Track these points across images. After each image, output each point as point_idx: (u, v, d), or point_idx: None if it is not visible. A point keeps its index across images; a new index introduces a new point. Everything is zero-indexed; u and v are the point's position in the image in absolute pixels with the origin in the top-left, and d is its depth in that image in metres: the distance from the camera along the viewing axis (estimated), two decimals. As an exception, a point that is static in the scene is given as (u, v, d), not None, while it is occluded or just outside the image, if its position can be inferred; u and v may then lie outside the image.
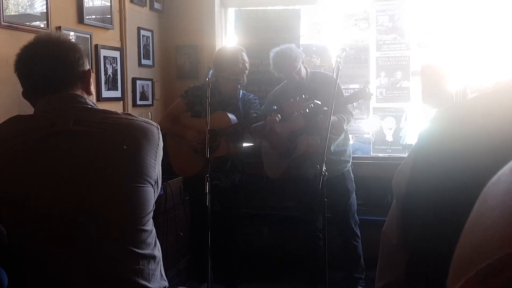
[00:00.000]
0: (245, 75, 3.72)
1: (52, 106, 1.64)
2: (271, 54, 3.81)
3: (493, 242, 0.45)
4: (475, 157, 0.90)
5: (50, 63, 1.65)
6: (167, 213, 3.89)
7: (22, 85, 1.69)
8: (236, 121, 3.60)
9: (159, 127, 1.74)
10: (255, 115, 3.68)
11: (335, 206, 3.75)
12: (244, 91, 4.04)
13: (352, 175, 3.82)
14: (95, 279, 1.55)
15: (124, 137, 1.62)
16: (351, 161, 3.83)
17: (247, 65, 3.80)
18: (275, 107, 3.54)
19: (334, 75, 3.20)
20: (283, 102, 3.65)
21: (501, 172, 0.53)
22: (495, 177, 0.54)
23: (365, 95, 3.47)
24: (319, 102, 3.53)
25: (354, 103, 3.77)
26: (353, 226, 3.78)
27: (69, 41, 1.74)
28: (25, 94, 1.69)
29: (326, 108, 3.33)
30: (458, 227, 0.87)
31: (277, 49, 3.84)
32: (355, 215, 3.81)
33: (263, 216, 4.57)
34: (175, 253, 4.01)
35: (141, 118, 1.72)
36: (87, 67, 1.73)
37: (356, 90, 3.52)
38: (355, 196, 3.82)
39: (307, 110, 3.44)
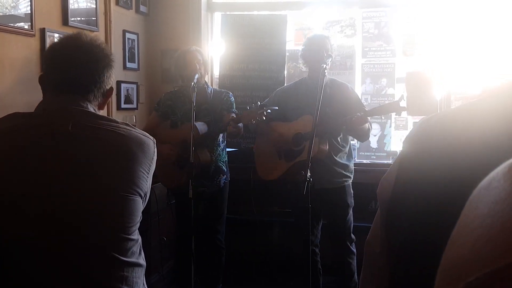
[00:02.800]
0: (196, 76, 3.51)
1: (54, 105, 1.63)
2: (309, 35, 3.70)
3: (483, 254, 0.44)
4: (460, 166, 0.90)
5: (89, 67, 1.65)
6: (151, 218, 3.86)
7: (46, 71, 1.69)
8: (203, 130, 3.54)
9: (155, 141, 1.75)
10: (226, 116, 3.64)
11: (332, 220, 3.67)
12: (217, 89, 4.01)
13: (352, 191, 3.69)
14: (79, 284, 1.54)
15: (120, 146, 1.62)
16: (352, 177, 3.69)
17: (198, 64, 3.66)
18: (234, 116, 3.49)
19: (319, 81, 3.20)
20: (291, 102, 3.62)
21: (493, 175, 0.51)
22: (486, 181, 0.52)
23: (397, 109, 3.29)
24: (276, 108, 3.51)
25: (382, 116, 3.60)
26: (349, 243, 3.66)
27: (110, 55, 1.73)
28: (44, 81, 1.68)
29: (359, 114, 3.29)
30: (443, 235, 0.86)
31: (317, 33, 3.77)
32: (351, 232, 3.68)
33: (252, 222, 4.55)
34: (159, 258, 3.98)
35: (139, 130, 1.72)
36: (110, 85, 1.73)
37: (387, 102, 3.37)
38: (352, 212, 3.69)
39: (264, 118, 3.39)
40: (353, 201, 3.70)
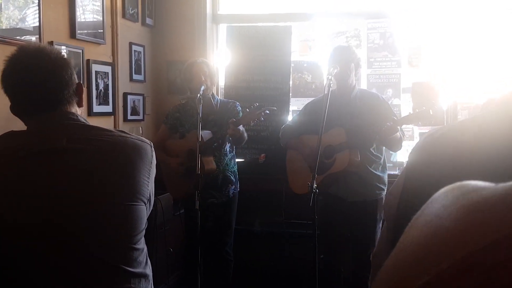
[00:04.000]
0: (202, 88, 3.49)
1: (44, 124, 1.61)
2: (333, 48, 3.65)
3: (412, 267, 0.46)
4: (466, 179, 0.90)
5: (44, 82, 1.59)
6: (157, 229, 3.86)
7: (11, 101, 1.62)
8: (208, 137, 3.54)
9: (152, 144, 1.72)
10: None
11: (357, 233, 3.57)
12: (223, 99, 4.01)
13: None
14: None
15: (118, 155, 1.61)
16: (385, 189, 3.57)
17: (203, 76, 3.66)
18: (234, 120, 3.47)
19: (325, 92, 3.20)
20: (321, 114, 3.54)
21: (438, 192, 0.55)
22: (434, 196, 0.55)
23: (427, 117, 3.18)
24: (274, 108, 3.49)
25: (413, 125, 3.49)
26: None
27: (61, 56, 1.67)
28: (15, 110, 1.63)
29: (389, 123, 3.21)
30: None
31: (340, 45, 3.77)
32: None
33: (261, 233, 4.53)
34: (165, 269, 3.98)
35: (135, 135, 1.70)
36: (77, 80, 1.69)
37: (418, 111, 3.28)
38: (381, 225, 3.52)
39: (262, 118, 3.40)
40: (382, 215, 3.55)
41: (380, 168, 3.58)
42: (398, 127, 3.31)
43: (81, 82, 1.73)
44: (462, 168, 0.91)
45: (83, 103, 1.74)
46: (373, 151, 3.52)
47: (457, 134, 1.00)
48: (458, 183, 0.54)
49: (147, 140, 1.72)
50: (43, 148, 1.56)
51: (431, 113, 3.16)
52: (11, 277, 1.52)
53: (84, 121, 1.66)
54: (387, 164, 3.86)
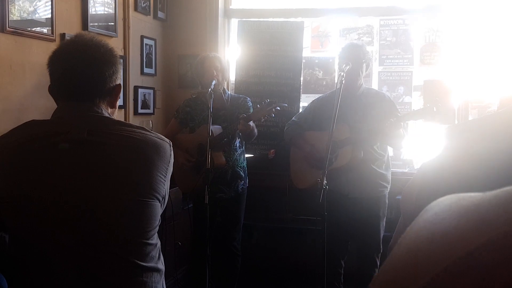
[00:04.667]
0: (213, 82, 3.50)
1: (69, 113, 1.62)
2: (343, 45, 3.68)
3: (408, 273, 0.46)
4: (484, 176, 0.90)
5: (84, 72, 1.62)
6: (166, 223, 3.87)
7: (51, 82, 1.67)
8: (218, 132, 3.54)
9: (171, 143, 1.72)
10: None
11: (361, 230, 3.57)
12: (234, 95, 4.01)
13: (387, 202, 3.59)
14: None
15: (137, 151, 1.61)
16: (389, 187, 3.60)
17: (215, 71, 3.66)
18: (245, 115, 3.47)
19: (337, 87, 3.19)
20: (327, 111, 3.46)
21: (430, 204, 0.56)
22: (425, 208, 0.56)
23: (431, 114, 3.17)
24: (285, 104, 3.51)
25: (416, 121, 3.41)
26: (375, 256, 3.56)
27: (109, 51, 1.69)
28: (51, 91, 1.67)
29: (392, 120, 3.22)
30: None
31: (352, 42, 3.83)
32: (380, 244, 3.56)
33: (269, 228, 4.54)
34: (173, 263, 3.99)
35: (155, 133, 1.70)
36: (118, 81, 1.70)
37: (421, 107, 3.27)
38: (384, 223, 3.59)
39: (273, 115, 3.43)
40: (386, 212, 3.60)
41: (383, 166, 3.58)
42: (402, 123, 3.30)
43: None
44: (481, 165, 0.91)
45: (116, 105, 1.74)
46: (376, 149, 3.52)
47: (478, 130, 1.00)
48: (449, 195, 0.55)
49: (166, 139, 1.72)
50: (63, 138, 1.56)
51: (434, 110, 3.15)
52: (26, 267, 1.53)
53: (108, 115, 1.67)
54: (396, 162, 3.84)
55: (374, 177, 3.52)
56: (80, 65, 1.62)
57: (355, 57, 3.47)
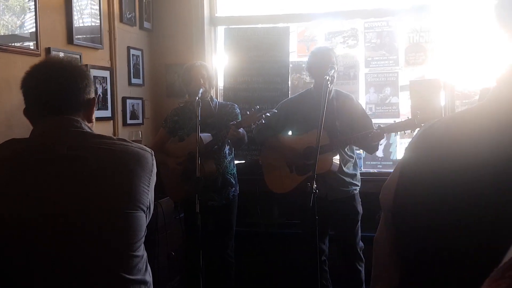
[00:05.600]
0: (201, 91, 3.51)
1: (48, 129, 1.63)
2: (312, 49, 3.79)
3: None
4: (459, 170, 0.93)
5: (56, 86, 1.64)
6: (158, 232, 3.87)
7: (26, 103, 1.69)
8: (208, 140, 3.55)
9: (153, 153, 1.74)
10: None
11: (342, 228, 3.70)
12: (222, 102, 4.02)
13: (360, 199, 3.72)
14: None
15: (118, 163, 1.62)
16: (359, 185, 3.74)
17: (202, 79, 3.68)
18: (235, 122, 3.50)
19: (323, 92, 3.21)
20: (298, 114, 3.65)
21: None
22: None
23: (413, 126, 3.33)
24: (275, 110, 3.54)
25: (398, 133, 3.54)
26: (359, 250, 3.68)
27: (79, 67, 1.73)
28: (27, 113, 1.69)
29: (376, 130, 3.40)
30: (449, 239, 0.90)
31: (321, 45, 3.93)
32: (360, 240, 3.71)
33: (261, 234, 4.54)
34: (167, 273, 3.98)
35: (136, 144, 1.72)
36: (93, 95, 1.72)
37: (404, 120, 3.37)
38: (360, 218, 3.72)
39: (263, 121, 3.44)
40: (361, 209, 3.73)
41: (352, 167, 3.72)
42: (385, 134, 3.47)
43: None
44: (456, 162, 0.93)
45: (93, 119, 1.75)
46: (347, 151, 3.66)
47: (451, 127, 1.02)
48: None
49: (148, 148, 1.74)
50: (44, 156, 1.57)
51: (416, 122, 3.29)
52: (12, 280, 1.53)
53: (88, 130, 1.67)
54: (387, 163, 3.89)
55: (348, 178, 3.65)
56: (52, 81, 1.65)
57: (332, 61, 3.54)
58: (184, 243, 3.90)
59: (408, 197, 1.03)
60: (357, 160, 3.83)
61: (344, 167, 3.63)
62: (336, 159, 3.54)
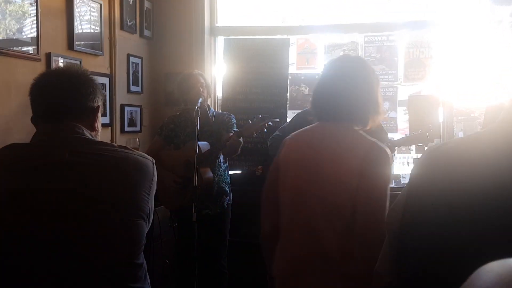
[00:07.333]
0: (200, 100, 3.49)
1: (49, 135, 1.63)
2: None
3: None
4: (466, 198, 0.91)
5: (61, 93, 1.65)
6: (153, 241, 3.84)
7: (32, 110, 1.69)
8: (206, 149, 3.55)
9: (154, 161, 1.73)
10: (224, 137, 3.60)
11: None
12: (219, 111, 4.01)
13: None
14: None
15: (119, 171, 1.61)
16: None
17: (201, 87, 3.68)
18: (236, 130, 3.50)
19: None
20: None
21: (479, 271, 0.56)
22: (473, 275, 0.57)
23: (425, 140, 3.34)
24: (277, 120, 3.53)
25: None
26: None
27: (85, 75, 1.73)
28: (33, 119, 1.69)
29: (388, 144, 3.32)
30: (453, 266, 0.88)
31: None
32: None
33: (255, 245, 4.51)
34: (160, 281, 3.95)
35: (137, 152, 1.71)
36: (97, 103, 1.72)
37: (415, 133, 3.37)
38: None
39: (265, 130, 3.44)
40: None
41: None
42: (395, 148, 3.45)
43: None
44: (465, 184, 0.91)
45: (97, 127, 1.74)
46: None
47: (461, 150, 1.00)
48: (495, 262, 0.55)
49: (149, 156, 1.73)
50: (44, 161, 1.55)
51: (428, 137, 3.28)
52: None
53: (89, 136, 1.67)
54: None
55: None
56: (57, 86, 1.66)
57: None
58: (177, 252, 3.87)
59: (416, 220, 1.02)
60: None
61: None
62: None
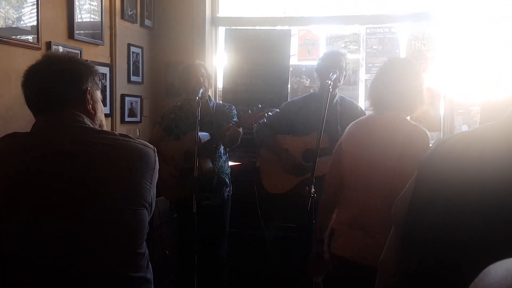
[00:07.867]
0: (201, 90, 3.49)
1: (49, 123, 1.61)
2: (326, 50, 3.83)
3: None
4: (473, 190, 0.90)
5: (51, 80, 1.64)
6: (153, 232, 3.85)
7: (25, 99, 1.68)
8: (206, 139, 3.53)
9: (155, 150, 1.72)
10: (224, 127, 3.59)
11: None
12: (220, 102, 4.00)
13: None
14: None
15: (121, 159, 1.60)
16: None
17: (202, 78, 3.67)
18: (236, 120, 3.49)
19: (325, 95, 3.19)
20: (300, 115, 3.65)
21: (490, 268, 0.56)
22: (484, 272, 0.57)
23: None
24: (277, 110, 3.52)
25: None
26: None
27: (79, 61, 1.72)
28: (28, 105, 1.69)
29: None
30: (459, 259, 0.87)
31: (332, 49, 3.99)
32: None
33: (256, 236, 4.52)
34: (161, 272, 3.96)
35: (139, 140, 1.69)
36: (85, 86, 1.69)
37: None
38: None
39: (265, 120, 3.42)
40: None
41: None
42: None
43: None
44: (473, 177, 0.90)
45: (92, 111, 1.71)
46: None
47: (469, 143, 0.99)
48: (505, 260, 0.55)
49: (150, 145, 1.72)
50: (46, 150, 1.54)
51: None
52: (11, 279, 1.50)
53: (90, 125, 1.65)
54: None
55: None
56: (46, 73, 1.65)
57: (340, 66, 3.51)
58: (178, 243, 3.87)
59: (422, 212, 1.01)
60: None
61: None
62: None
